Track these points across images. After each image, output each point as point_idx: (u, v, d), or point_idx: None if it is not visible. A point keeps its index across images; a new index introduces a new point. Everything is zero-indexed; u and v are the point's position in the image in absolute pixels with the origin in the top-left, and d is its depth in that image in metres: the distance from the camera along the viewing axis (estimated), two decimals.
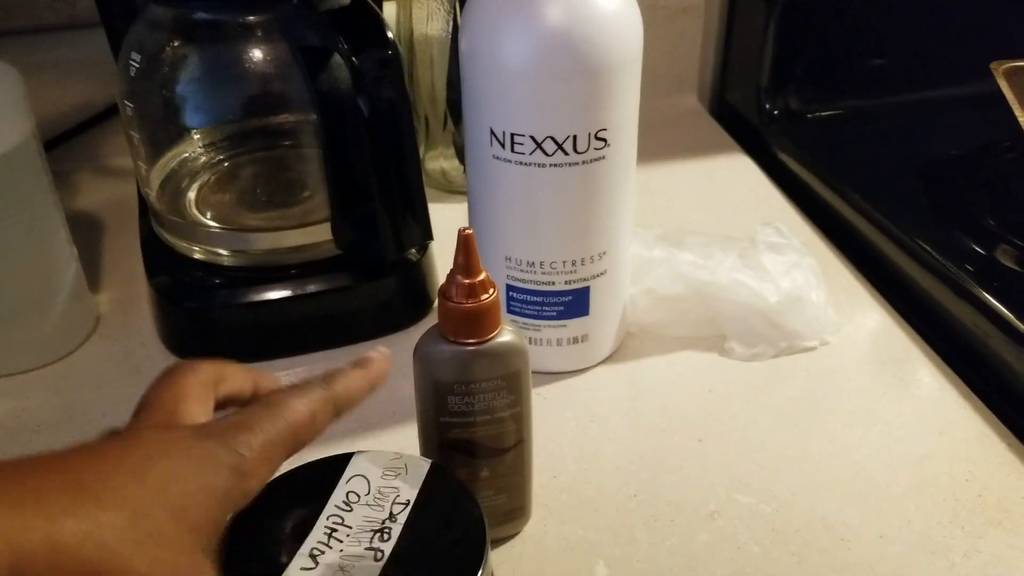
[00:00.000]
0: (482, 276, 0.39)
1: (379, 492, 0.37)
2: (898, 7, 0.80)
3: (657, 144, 0.73)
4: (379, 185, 0.54)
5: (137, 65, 0.56)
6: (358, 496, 0.37)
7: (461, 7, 0.53)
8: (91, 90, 0.76)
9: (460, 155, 0.73)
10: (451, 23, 0.67)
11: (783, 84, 0.81)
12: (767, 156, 0.79)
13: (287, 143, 0.64)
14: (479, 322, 0.39)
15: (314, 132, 0.57)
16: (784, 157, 0.78)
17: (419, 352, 0.41)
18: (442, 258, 0.62)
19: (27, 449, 0.51)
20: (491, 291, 0.39)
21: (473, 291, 0.39)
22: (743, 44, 0.84)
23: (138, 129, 0.58)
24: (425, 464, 0.38)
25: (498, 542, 0.46)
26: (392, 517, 0.36)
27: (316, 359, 0.58)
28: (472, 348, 0.40)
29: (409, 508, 0.36)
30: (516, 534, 0.46)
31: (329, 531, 0.35)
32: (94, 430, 0.52)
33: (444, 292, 0.39)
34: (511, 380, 0.41)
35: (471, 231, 0.38)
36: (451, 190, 0.75)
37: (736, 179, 0.78)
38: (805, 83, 0.81)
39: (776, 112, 0.81)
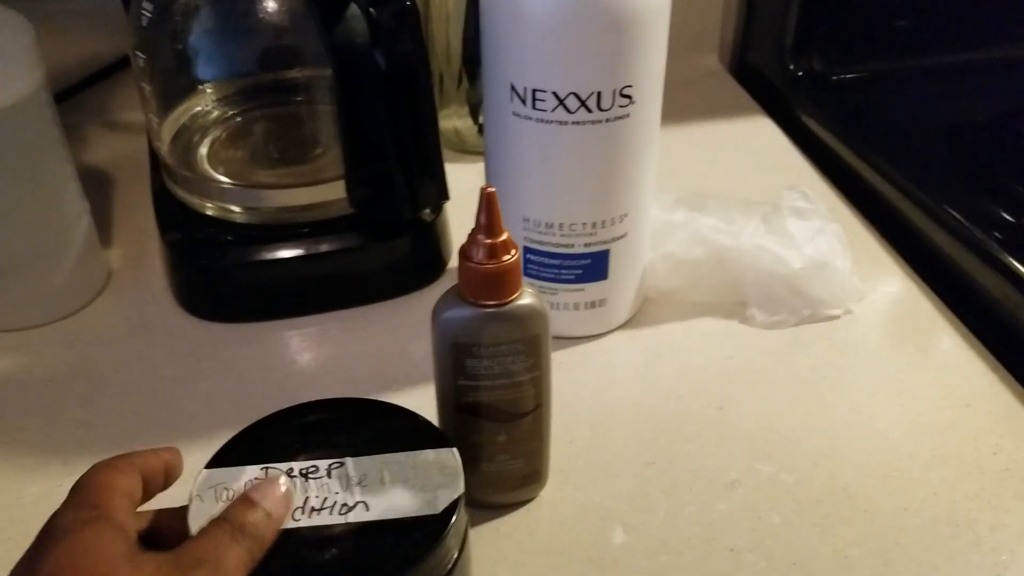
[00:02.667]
0: (504, 236, 0.38)
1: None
2: None
3: (675, 105, 0.71)
4: (395, 142, 0.53)
5: (149, 15, 0.55)
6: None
7: None
8: (101, 41, 0.75)
9: (474, 114, 0.72)
10: None
11: (807, 45, 0.79)
12: (790, 119, 0.77)
13: (300, 99, 0.62)
14: (500, 284, 0.38)
15: (328, 87, 0.56)
16: (807, 120, 0.76)
17: (437, 313, 0.39)
18: (456, 219, 0.61)
19: (37, 403, 0.51)
20: (513, 252, 0.38)
21: (495, 252, 0.37)
22: (767, 3, 0.82)
23: (149, 81, 0.57)
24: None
25: (514, 506, 0.45)
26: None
27: (327, 319, 0.57)
28: (492, 310, 0.39)
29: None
30: (532, 499, 0.45)
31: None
32: (105, 386, 0.52)
33: (464, 252, 0.38)
34: (531, 343, 0.40)
35: (494, 190, 0.37)
36: (464, 150, 0.73)
37: (757, 143, 0.76)
38: (830, 44, 0.79)
39: (800, 74, 0.79)
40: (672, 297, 0.57)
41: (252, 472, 0.35)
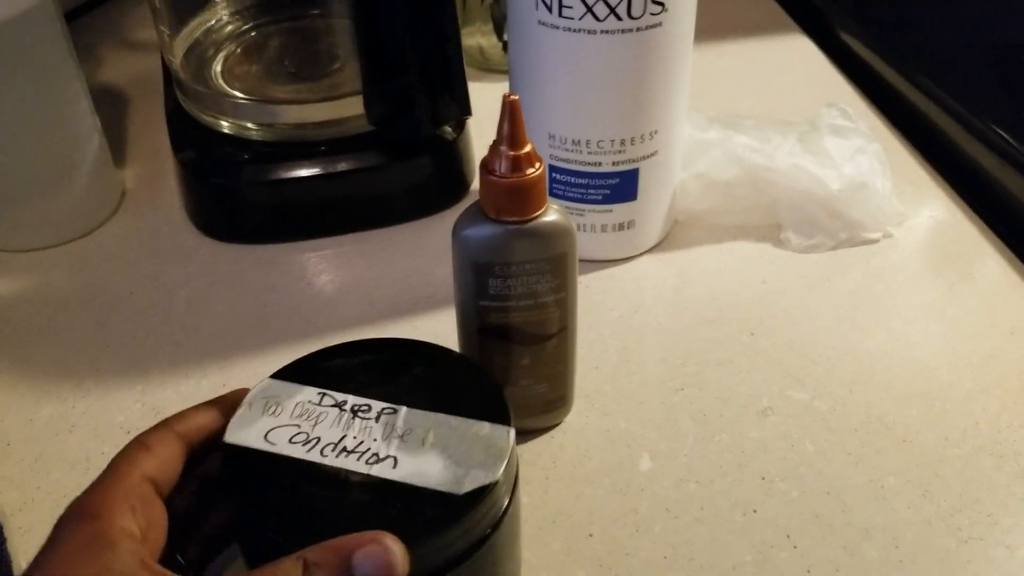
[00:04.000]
0: (528, 148, 0.36)
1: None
2: None
3: (709, 21, 0.67)
4: (414, 55, 0.50)
5: None
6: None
7: None
8: None
9: (499, 30, 0.69)
10: None
11: None
12: (829, 37, 0.74)
13: (316, 11, 0.60)
14: (523, 198, 0.36)
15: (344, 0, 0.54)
16: (847, 38, 0.73)
17: (457, 231, 0.38)
18: (479, 139, 0.58)
19: (51, 325, 0.50)
20: (537, 165, 0.36)
21: (518, 164, 0.35)
22: None
23: None
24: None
25: (538, 432, 0.44)
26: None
27: (345, 241, 0.55)
28: (515, 227, 0.37)
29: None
30: (556, 424, 0.44)
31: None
32: (118, 308, 0.51)
33: (486, 165, 0.36)
34: (556, 263, 0.38)
35: (517, 97, 0.35)
36: (488, 68, 0.71)
37: (794, 61, 0.73)
38: None
39: None
40: (704, 219, 0.55)
41: (308, 394, 0.33)
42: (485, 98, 0.57)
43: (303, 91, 0.56)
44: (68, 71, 0.53)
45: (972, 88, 0.63)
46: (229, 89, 0.56)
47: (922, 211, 0.57)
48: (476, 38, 0.70)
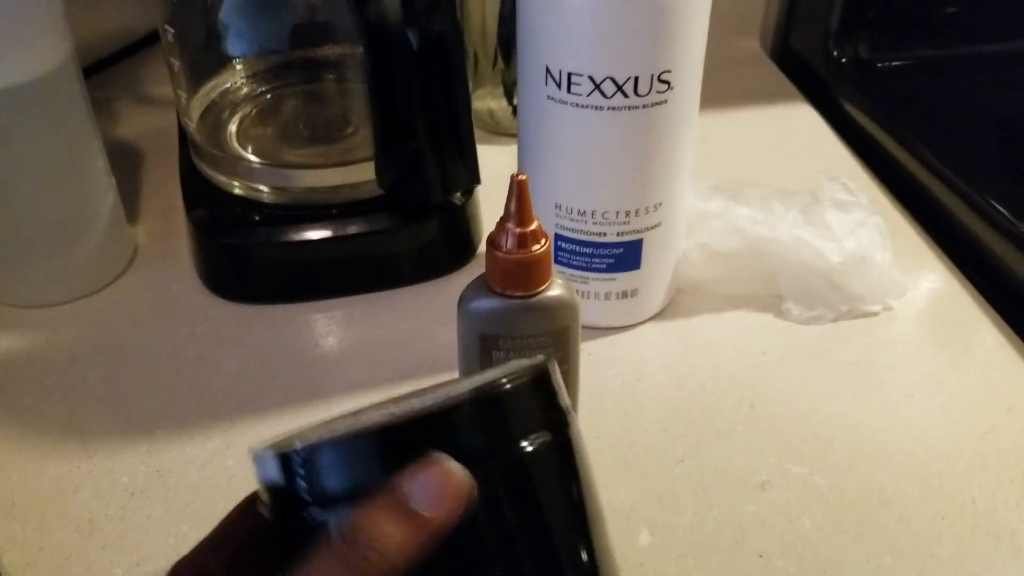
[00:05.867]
0: (534, 225, 0.37)
1: None
2: None
3: (714, 90, 0.69)
4: (426, 123, 0.52)
5: None
6: None
7: None
8: (131, 15, 0.74)
9: (509, 95, 0.70)
10: None
11: (853, 30, 0.76)
12: (832, 107, 0.75)
13: (331, 77, 0.61)
14: (528, 274, 0.37)
15: (359, 66, 0.55)
16: (851, 109, 0.74)
17: (463, 303, 0.38)
18: (487, 203, 0.59)
19: (60, 381, 0.50)
20: (543, 241, 0.37)
21: (524, 241, 0.36)
22: None
23: (179, 56, 0.56)
24: None
25: None
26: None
27: (354, 303, 0.56)
28: (520, 301, 0.38)
29: None
30: None
31: None
32: (128, 365, 0.52)
33: (493, 241, 0.37)
34: (559, 336, 0.39)
35: (525, 177, 0.36)
36: (498, 132, 0.72)
37: (798, 130, 0.74)
38: (876, 30, 0.77)
39: (844, 60, 0.77)
40: (706, 289, 0.56)
41: None
42: (494, 161, 0.58)
43: (317, 155, 0.58)
44: (86, 131, 0.54)
45: (972, 163, 0.64)
46: (243, 152, 0.57)
47: (922, 284, 0.57)
48: (486, 101, 0.72)
